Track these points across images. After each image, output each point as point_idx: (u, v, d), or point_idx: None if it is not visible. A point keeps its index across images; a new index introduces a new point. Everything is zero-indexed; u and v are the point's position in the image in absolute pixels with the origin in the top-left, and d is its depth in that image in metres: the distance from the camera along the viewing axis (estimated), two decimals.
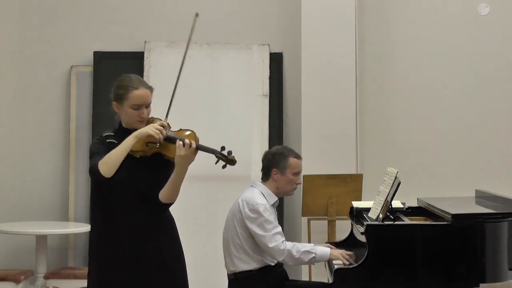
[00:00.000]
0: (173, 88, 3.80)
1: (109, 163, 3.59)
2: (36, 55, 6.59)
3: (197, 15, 3.69)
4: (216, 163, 3.71)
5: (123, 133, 3.72)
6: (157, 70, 6.38)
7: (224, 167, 3.71)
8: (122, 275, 3.65)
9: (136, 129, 3.68)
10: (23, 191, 6.51)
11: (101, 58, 6.50)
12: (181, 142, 3.53)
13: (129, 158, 3.63)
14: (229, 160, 3.67)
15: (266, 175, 4.60)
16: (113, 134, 3.76)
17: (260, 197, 4.50)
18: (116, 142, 3.68)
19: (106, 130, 3.82)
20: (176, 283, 3.76)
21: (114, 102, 3.74)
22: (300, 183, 4.67)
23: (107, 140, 3.73)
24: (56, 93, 6.58)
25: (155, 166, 3.67)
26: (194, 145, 3.55)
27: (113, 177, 3.61)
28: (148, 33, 6.51)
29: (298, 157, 4.61)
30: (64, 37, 6.58)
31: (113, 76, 6.39)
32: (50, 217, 6.47)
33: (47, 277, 5.85)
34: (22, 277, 5.80)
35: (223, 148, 3.70)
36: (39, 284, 5.89)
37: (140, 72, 6.37)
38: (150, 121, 3.72)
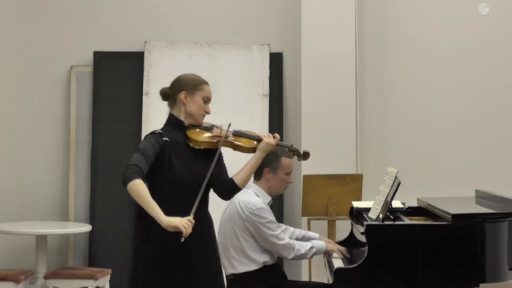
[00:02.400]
0: None
1: (136, 195, 3.56)
2: (36, 55, 6.59)
3: (229, 125, 3.93)
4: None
5: (174, 126, 3.82)
6: (157, 70, 6.38)
7: (299, 159, 4.18)
8: (171, 270, 3.71)
9: (196, 124, 3.85)
10: (23, 191, 6.51)
11: (101, 58, 6.50)
12: (267, 134, 3.99)
13: (188, 153, 3.74)
14: (303, 154, 4.12)
15: (258, 174, 4.61)
16: (162, 132, 3.80)
17: (256, 198, 4.52)
18: (168, 140, 3.75)
19: (156, 130, 3.84)
20: (218, 281, 3.84)
21: (184, 92, 3.84)
22: (291, 183, 4.69)
23: (163, 138, 3.76)
24: (56, 93, 6.58)
25: (211, 157, 3.79)
26: (278, 137, 3.96)
27: (172, 173, 3.73)
28: (148, 33, 6.51)
29: (291, 156, 4.62)
30: (64, 37, 6.59)
31: (113, 76, 6.50)
32: (50, 217, 6.47)
33: (47, 277, 5.85)
34: (22, 277, 5.80)
35: (292, 145, 4.16)
36: (39, 284, 5.89)
37: (140, 72, 6.37)
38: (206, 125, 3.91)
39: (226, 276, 4.56)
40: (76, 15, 6.60)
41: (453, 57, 6.36)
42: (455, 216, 4.14)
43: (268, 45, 6.47)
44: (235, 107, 6.36)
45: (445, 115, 6.35)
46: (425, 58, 6.37)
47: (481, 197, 5.10)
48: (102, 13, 6.60)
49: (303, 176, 5.86)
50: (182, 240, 3.53)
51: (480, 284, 4.14)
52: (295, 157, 4.14)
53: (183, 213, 3.66)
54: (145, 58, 6.41)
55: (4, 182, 6.48)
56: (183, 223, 3.53)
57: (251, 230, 4.45)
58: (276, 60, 6.48)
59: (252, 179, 4.66)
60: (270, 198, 4.60)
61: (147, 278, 3.74)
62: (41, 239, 5.92)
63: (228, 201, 4.55)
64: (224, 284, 3.95)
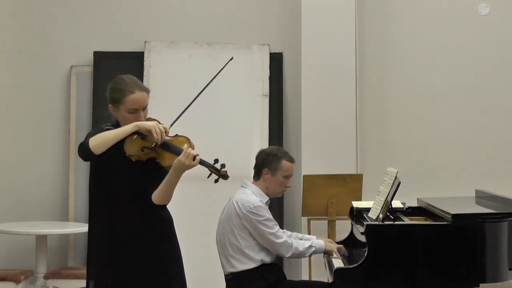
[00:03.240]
0: (190, 102, 3.78)
1: (100, 140, 3.60)
2: (36, 55, 6.58)
3: (231, 58, 3.70)
4: (208, 177, 3.72)
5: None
6: (157, 70, 6.38)
7: (216, 181, 3.71)
8: (119, 275, 3.67)
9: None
10: (23, 191, 6.51)
11: (101, 58, 6.49)
12: (189, 150, 3.55)
13: (125, 160, 3.64)
14: (221, 174, 3.69)
15: (257, 174, 4.62)
16: (112, 128, 3.74)
17: (254, 197, 4.52)
18: None
19: (105, 124, 3.81)
20: (173, 284, 3.77)
21: (110, 105, 3.73)
22: (290, 187, 4.68)
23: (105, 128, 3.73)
24: (56, 93, 6.58)
25: (150, 168, 3.67)
26: (198, 159, 3.58)
27: (110, 177, 3.64)
28: (148, 33, 6.51)
29: (292, 160, 4.63)
30: (64, 37, 6.58)
31: (113, 76, 6.46)
32: (50, 217, 6.47)
33: (47, 277, 5.85)
34: (22, 277, 5.80)
35: (216, 161, 3.70)
36: (39, 284, 5.89)
37: (140, 72, 6.37)
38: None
39: (225, 275, 4.57)
40: (76, 15, 6.59)
41: (453, 57, 6.36)
42: (455, 216, 4.14)
43: (268, 45, 6.47)
44: (235, 107, 6.36)
45: (445, 115, 6.35)
46: (425, 58, 6.37)
47: (481, 197, 5.10)
48: (102, 13, 6.60)
49: (303, 176, 5.85)
50: (153, 146, 3.52)
51: (480, 284, 4.14)
52: (213, 176, 3.71)
53: (127, 215, 3.66)
54: (145, 58, 6.41)
55: (4, 182, 6.48)
56: (157, 128, 3.53)
57: (248, 228, 4.45)
58: (276, 60, 6.47)
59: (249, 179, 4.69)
60: (267, 198, 4.60)
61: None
62: (41, 239, 5.92)
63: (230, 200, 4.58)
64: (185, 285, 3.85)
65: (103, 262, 3.70)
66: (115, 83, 3.73)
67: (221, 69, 3.66)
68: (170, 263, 3.76)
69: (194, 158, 3.56)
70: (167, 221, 3.79)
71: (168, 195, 3.66)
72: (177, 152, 3.60)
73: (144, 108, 3.70)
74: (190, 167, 3.58)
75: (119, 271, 3.67)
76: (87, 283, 3.79)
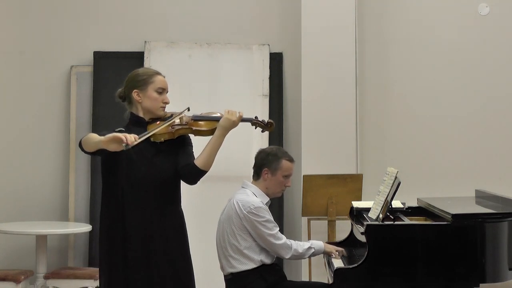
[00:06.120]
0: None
1: (87, 140, 3.66)
2: (36, 55, 6.59)
3: (188, 109, 3.88)
4: (255, 128, 4.06)
5: (135, 124, 3.79)
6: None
7: (263, 131, 4.09)
8: (131, 271, 3.69)
9: (156, 117, 3.81)
10: (23, 191, 6.51)
11: (101, 58, 6.50)
12: (229, 109, 3.84)
13: (143, 149, 3.68)
14: (266, 125, 4.01)
15: (257, 174, 4.63)
16: (124, 130, 3.75)
17: (255, 198, 4.53)
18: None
19: (111, 128, 3.81)
20: (182, 280, 3.79)
21: (136, 90, 3.81)
22: (289, 186, 4.69)
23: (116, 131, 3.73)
24: (56, 93, 6.58)
25: (175, 149, 3.76)
26: (242, 114, 3.86)
27: (132, 172, 3.69)
28: (148, 33, 6.51)
29: (291, 160, 4.64)
30: (64, 37, 6.59)
31: (113, 76, 6.50)
32: (50, 217, 6.47)
33: (47, 277, 5.85)
34: (22, 277, 5.80)
35: (256, 117, 4.01)
36: (39, 284, 5.89)
37: None
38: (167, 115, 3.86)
39: (225, 276, 4.57)
40: (76, 15, 6.60)
41: (453, 57, 6.36)
42: (455, 216, 4.14)
43: (268, 45, 6.47)
44: (235, 107, 6.32)
45: (445, 115, 6.35)
46: (425, 58, 6.37)
47: (481, 197, 5.10)
48: (102, 13, 6.60)
49: (303, 176, 5.85)
50: (125, 149, 3.47)
51: (480, 284, 4.14)
52: (259, 129, 4.04)
53: (145, 213, 3.67)
54: (145, 58, 6.42)
55: (4, 182, 6.48)
56: (121, 134, 3.49)
57: (248, 229, 4.46)
58: (276, 60, 6.48)
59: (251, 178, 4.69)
60: (268, 199, 4.61)
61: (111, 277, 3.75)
62: (41, 239, 5.92)
63: (230, 199, 4.58)
64: (193, 284, 3.88)
65: (118, 260, 3.70)
66: (136, 72, 3.89)
67: (181, 113, 3.82)
68: (179, 261, 3.80)
69: (238, 113, 3.83)
70: (181, 217, 3.86)
71: (212, 158, 3.78)
72: (212, 118, 3.86)
73: (167, 92, 3.86)
74: (236, 123, 3.82)
75: (133, 268, 3.68)
76: (100, 280, 3.80)
